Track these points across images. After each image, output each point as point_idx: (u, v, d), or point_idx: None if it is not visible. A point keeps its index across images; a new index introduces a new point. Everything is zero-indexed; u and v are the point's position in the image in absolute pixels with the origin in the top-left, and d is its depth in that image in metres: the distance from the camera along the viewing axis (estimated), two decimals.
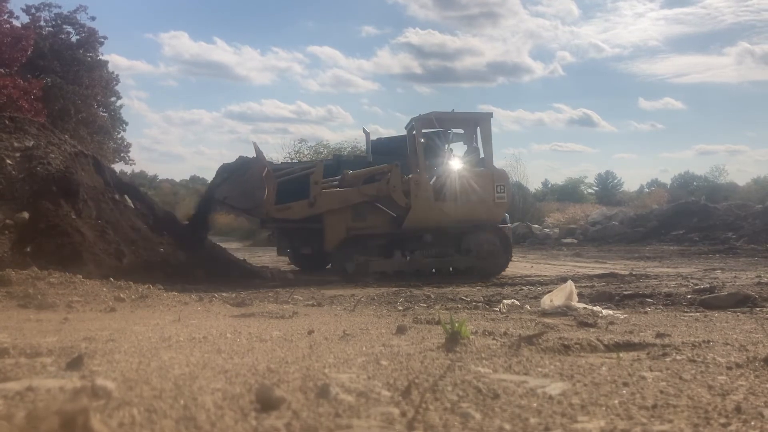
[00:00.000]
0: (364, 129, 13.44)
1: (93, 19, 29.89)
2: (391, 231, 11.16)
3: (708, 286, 7.67)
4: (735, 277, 9.54)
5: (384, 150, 14.10)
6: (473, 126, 12.06)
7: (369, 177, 11.56)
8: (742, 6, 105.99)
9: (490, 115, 11.97)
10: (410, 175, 11.41)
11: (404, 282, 9.66)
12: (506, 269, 11.33)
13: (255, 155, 10.88)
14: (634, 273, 10.91)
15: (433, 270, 10.93)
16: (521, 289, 8.33)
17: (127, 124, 33.62)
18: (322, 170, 11.35)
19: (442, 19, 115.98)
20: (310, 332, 3.60)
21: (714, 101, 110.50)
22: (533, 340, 3.05)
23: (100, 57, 29.69)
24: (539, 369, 2.38)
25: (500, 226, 11.65)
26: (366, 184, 11.41)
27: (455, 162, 12.01)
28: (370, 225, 11.15)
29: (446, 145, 13.94)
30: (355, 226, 11.13)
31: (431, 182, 11.41)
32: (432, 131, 13.80)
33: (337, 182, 11.59)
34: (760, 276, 9.28)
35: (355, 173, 11.54)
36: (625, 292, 7.16)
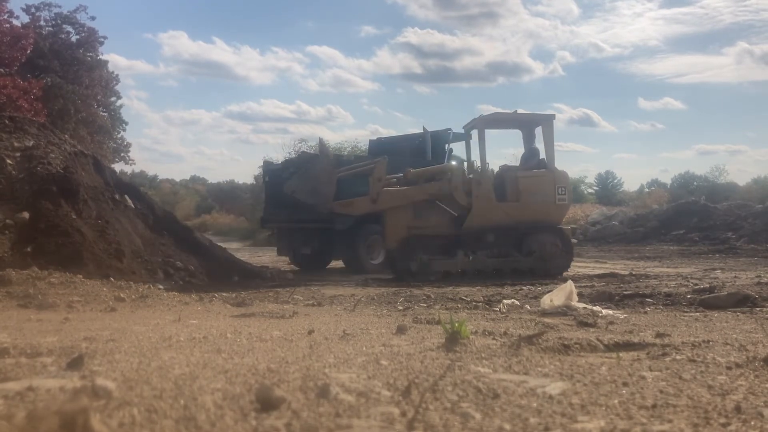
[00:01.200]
0: (424, 127, 13.39)
1: (93, 18, 29.95)
2: (451, 231, 11.17)
3: (708, 286, 7.67)
4: (735, 277, 9.54)
5: (384, 150, 14.11)
6: (534, 127, 12.03)
7: (430, 176, 11.62)
8: (740, 6, 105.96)
9: (553, 116, 11.98)
10: (471, 175, 11.52)
11: (465, 282, 9.75)
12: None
13: (319, 151, 11.06)
14: (634, 273, 10.92)
15: (494, 270, 10.84)
16: (521, 289, 8.33)
17: (127, 123, 33.63)
18: (385, 168, 11.40)
19: (441, 19, 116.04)
20: (310, 332, 3.60)
21: (714, 101, 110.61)
22: (533, 339, 3.05)
23: (100, 57, 29.71)
24: (539, 369, 2.38)
25: (561, 227, 11.68)
26: (427, 182, 11.47)
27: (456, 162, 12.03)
28: (430, 224, 11.17)
29: (446, 145, 13.94)
30: (416, 225, 11.16)
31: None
32: (434, 131, 13.79)
33: (396, 180, 11.64)
34: (760, 276, 9.28)
35: (417, 171, 11.62)
36: (625, 292, 7.16)
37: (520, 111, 12.48)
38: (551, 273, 10.80)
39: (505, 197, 11.33)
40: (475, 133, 12.05)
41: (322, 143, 11.11)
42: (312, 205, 11.24)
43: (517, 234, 11.23)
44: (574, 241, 11.61)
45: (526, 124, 12.20)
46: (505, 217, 11.17)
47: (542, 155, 11.78)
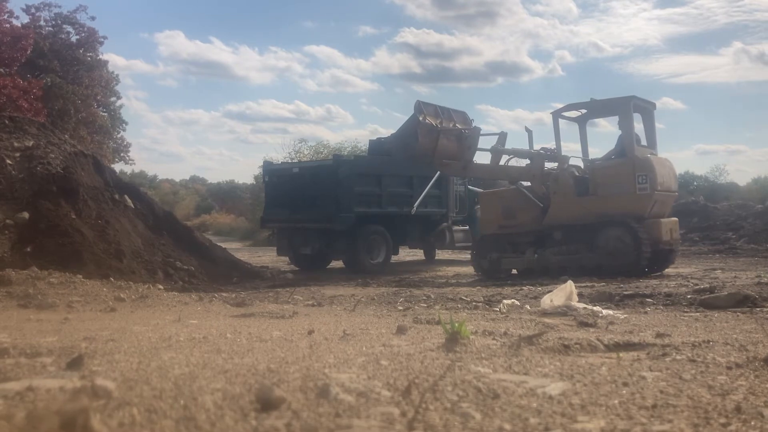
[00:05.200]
0: (526, 127, 13.47)
1: (93, 18, 29.90)
2: (537, 228, 11.14)
3: (708, 286, 7.66)
4: (735, 277, 9.53)
5: (383, 149, 14.12)
6: (613, 112, 11.43)
7: (512, 155, 11.88)
8: (734, 6, 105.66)
9: (630, 99, 11.00)
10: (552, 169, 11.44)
11: (533, 279, 9.73)
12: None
13: (414, 110, 11.57)
14: None
15: (566, 269, 10.29)
16: (521, 289, 8.32)
17: (126, 123, 33.61)
18: (477, 138, 12.03)
19: (439, 19, 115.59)
20: (310, 332, 3.60)
21: (712, 101, 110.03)
22: (533, 340, 3.05)
23: (100, 57, 29.70)
24: (539, 369, 2.38)
25: (652, 220, 10.76)
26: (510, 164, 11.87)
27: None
28: (518, 223, 11.32)
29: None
30: (506, 224, 11.40)
31: None
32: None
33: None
34: (760, 276, 9.27)
35: (502, 149, 11.85)
36: (625, 292, 7.16)
37: (595, 99, 11.76)
38: (618, 271, 9.98)
39: (587, 191, 10.98)
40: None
41: (417, 103, 11.76)
42: (408, 158, 11.99)
43: (591, 229, 10.74)
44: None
45: (606, 110, 11.70)
46: (584, 212, 10.78)
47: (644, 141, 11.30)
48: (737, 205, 25.88)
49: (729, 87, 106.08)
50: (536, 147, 11.86)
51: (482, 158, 12.24)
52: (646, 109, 11.55)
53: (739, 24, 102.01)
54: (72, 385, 1.93)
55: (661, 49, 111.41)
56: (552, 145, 11.68)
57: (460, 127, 12.20)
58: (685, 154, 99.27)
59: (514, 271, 11.33)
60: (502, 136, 12.12)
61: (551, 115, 11.60)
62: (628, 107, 10.94)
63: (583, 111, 11.62)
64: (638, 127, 11.44)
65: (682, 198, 31.88)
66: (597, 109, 11.78)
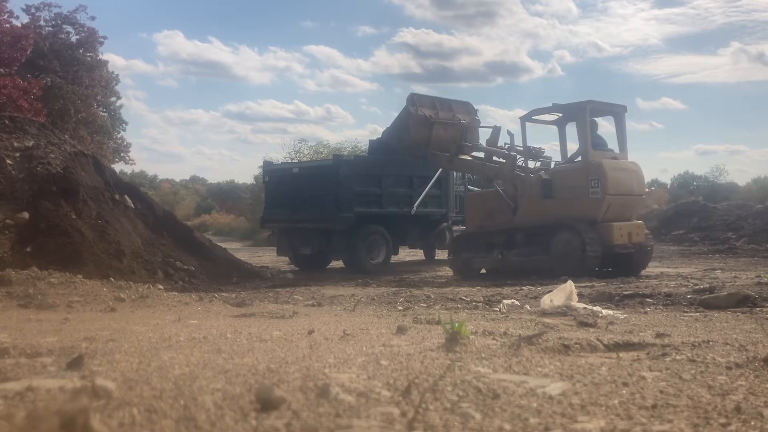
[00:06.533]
0: (508, 131, 13.79)
1: (93, 18, 29.89)
2: (508, 228, 11.42)
3: (708, 286, 7.65)
4: (735, 277, 9.53)
5: (383, 150, 14.13)
6: (572, 117, 11.47)
7: (490, 155, 12.15)
8: (732, 6, 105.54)
9: (588, 103, 11.21)
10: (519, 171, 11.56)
11: (498, 280, 9.83)
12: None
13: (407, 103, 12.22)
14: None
15: (524, 270, 10.45)
16: (521, 289, 8.32)
17: (126, 123, 33.63)
18: (464, 130, 12.55)
19: (439, 19, 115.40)
20: (310, 332, 3.60)
21: (712, 101, 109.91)
22: (533, 340, 3.05)
23: (100, 57, 29.70)
24: (539, 369, 2.38)
25: (605, 223, 10.65)
26: (489, 162, 12.24)
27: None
28: (496, 223, 11.68)
29: None
30: (486, 224, 11.84)
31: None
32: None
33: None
34: (760, 276, 9.26)
35: (482, 147, 12.29)
36: (625, 292, 7.15)
37: (555, 102, 11.92)
38: (567, 273, 9.55)
39: (552, 194, 11.15)
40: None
41: (410, 96, 12.33)
42: (403, 149, 12.63)
43: (547, 231, 10.91)
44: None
45: (568, 115, 11.64)
46: (546, 215, 11.00)
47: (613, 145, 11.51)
48: (737, 205, 25.85)
49: (728, 87, 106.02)
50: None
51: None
52: (617, 113, 11.68)
53: (737, 24, 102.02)
54: (72, 385, 1.94)
55: (660, 49, 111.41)
56: (541, 145, 12.11)
57: (460, 118, 12.29)
58: (685, 154, 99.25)
59: (483, 271, 11.56)
60: (496, 131, 12.20)
61: (519, 120, 11.78)
62: (584, 112, 11.11)
63: (559, 115, 11.79)
64: (611, 130, 11.80)
65: (682, 198, 31.86)
66: (564, 112, 11.84)
